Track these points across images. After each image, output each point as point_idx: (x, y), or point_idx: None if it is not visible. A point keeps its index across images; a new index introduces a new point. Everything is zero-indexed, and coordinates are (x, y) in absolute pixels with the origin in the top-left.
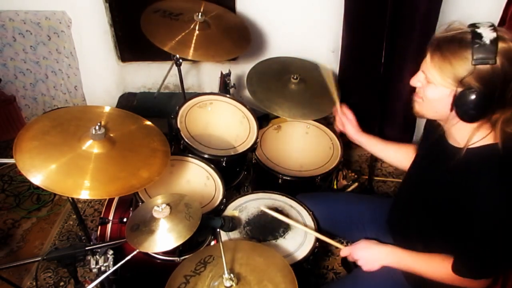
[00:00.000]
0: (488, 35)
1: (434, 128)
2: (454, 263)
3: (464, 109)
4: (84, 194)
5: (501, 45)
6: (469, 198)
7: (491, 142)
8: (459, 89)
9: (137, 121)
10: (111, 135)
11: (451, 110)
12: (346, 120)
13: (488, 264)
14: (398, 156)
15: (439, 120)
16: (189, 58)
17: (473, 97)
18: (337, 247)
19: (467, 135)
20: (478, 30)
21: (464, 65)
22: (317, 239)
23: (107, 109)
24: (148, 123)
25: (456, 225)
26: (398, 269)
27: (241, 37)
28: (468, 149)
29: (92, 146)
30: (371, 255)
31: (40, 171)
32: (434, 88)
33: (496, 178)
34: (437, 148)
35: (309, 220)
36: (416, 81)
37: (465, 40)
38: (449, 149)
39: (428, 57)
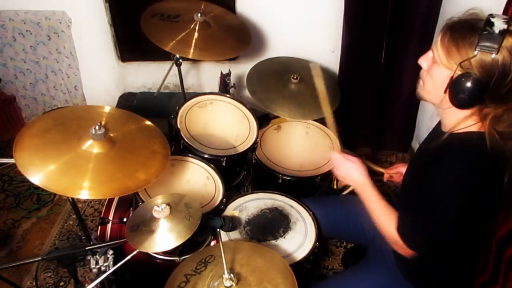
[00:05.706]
0: (499, 26)
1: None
2: (397, 222)
3: (457, 93)
4: (82, 194)
5: (508, 38)
6: (430, 174)
7: (475, 130)
8: (458, 72)
9: (139, 121)
10: (111, 135)
11: (445, 92)
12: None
13: (421, 237)
14: None
15: (434, 104)
16: (189, 57)
17: (468, 82)
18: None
19: (455, 121)
20: (492, 19)
21: (468, 49)
22: (317, 239)
23: (110, 109)
24: (150, 123)
25: (413, 197)
26: (395, 264)
27: (241, 37)
28: (452, 134)
29: (92, 146)
30: (352, 174)
31: (39, 170)
32: (438, 69)
33: (462, 162)
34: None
35: (309, 220)
36: (424, 60)
37: (476, 25)
38: (439, 135)
39: (439, 37)
